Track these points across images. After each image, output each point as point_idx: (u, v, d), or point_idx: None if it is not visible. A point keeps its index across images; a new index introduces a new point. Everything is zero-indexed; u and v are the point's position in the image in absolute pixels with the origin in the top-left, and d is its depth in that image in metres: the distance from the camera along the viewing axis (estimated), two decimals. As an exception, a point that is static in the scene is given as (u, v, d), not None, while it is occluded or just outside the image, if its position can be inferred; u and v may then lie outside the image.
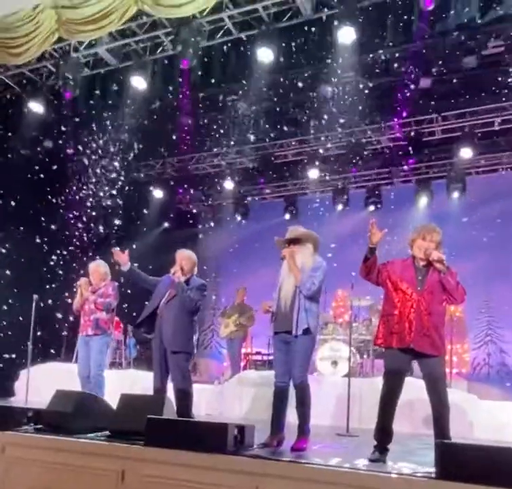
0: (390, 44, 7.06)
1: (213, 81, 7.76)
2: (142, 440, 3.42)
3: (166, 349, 4.80)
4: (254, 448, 3.53)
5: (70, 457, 3.57)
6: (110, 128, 9.18)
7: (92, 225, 10.44)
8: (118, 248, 5.15)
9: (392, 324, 3.74)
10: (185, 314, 4.81)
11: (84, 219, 10.44)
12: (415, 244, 3.88)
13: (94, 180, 10.17)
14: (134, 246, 11.40)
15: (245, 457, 3.16)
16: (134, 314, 10.40)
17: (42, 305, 8.51)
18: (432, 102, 8.80)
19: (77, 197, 10.39)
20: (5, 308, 9.25)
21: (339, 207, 11.59)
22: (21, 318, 7.91)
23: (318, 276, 4.15)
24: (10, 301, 9.21)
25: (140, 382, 7.30)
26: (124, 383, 7.19)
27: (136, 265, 5.19)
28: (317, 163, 10.72)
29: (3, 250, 9.20)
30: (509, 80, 7.91)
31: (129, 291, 10.66)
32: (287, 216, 12.15)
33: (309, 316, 4.08)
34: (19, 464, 3.73)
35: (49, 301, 9.28)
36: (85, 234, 10.51)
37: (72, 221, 10.35)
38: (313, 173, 11.03)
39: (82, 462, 3.51)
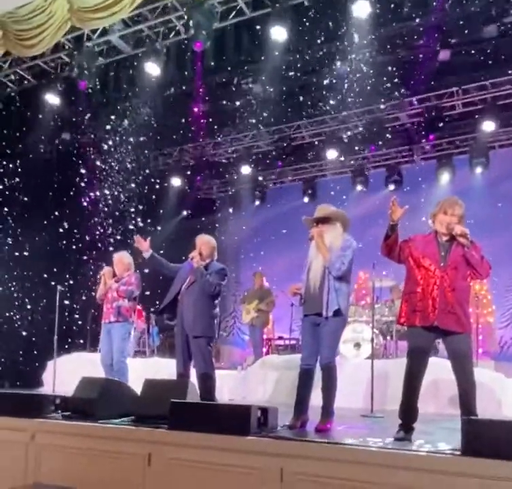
0: (407, 17, 6.84)
1: (227, 64, 7.65)
2: (167, 424, 3.45)
3: (187, 334, 4.83)
4: (278, 430, 3.52)
5: (97, 442, 3.63)
6: (126, 116, 9.15)
7: (111, 215, 10.49)
8: (139, 235, 5.18)
9: (415, 302, 3.64)
10: (205, 299, 4.82)
11: (104, 209, 10.50)
12: (437, 219, 3.77)
13: (111, 170, 10.19)
14: (154, 235, 11.56)
15: (269, 438, 3.15)
16: (157, 302, 10.55)
17: (68, 295, 8.64)
18: (453, 75, 8.54)
19: (97, 187, 10.46)
20: (28, 301, 9.40)
21: (359, 188, 11.43)
22: (46, 310, 8.04)
23: (347, 255, 4.05)
24: (34, 293, 9.35)
25: (164, 369, 7.34)
26: (148, 371, 7.22)
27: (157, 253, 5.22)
28: (335, 144, 10.53)
29: (27, 244, 9.32)
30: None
31: (152, 280, 10.79)
32: (306, 199, 12.05)
33: (339, 296, 3.99)
34: (48, 451, 3.80)
35: (73, 293, 9.42)
36: (106, 225, 10.58)
37: (92, 212, 10.41)
38: (331, 154, 10.86)
39: (109, 447, 3.56)
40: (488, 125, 9.35)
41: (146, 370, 7.17)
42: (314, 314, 4.04)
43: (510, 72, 8.38)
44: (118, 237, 10.45)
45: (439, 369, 4.59)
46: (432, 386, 5.34)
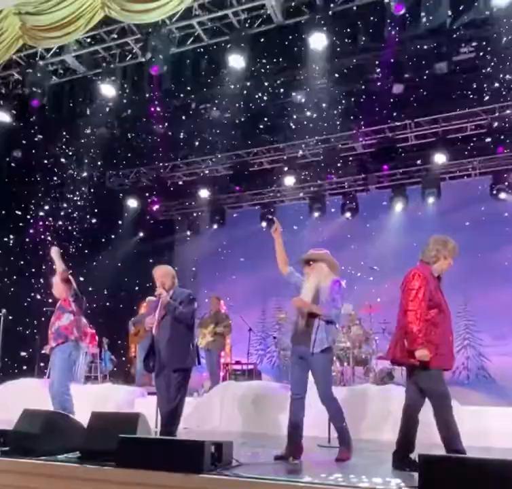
0: (362, 50, 7.04)
1: (185, 88, 7.65)
2: (115, 461, 3.28)
3: (166, 369, 4.75)
4: (233, 466, 3.39)
5: (39, 481, 3.41)
6: (80, 136, 8.98)
7: (62, 236, 10.18)
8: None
9: (446, 346, 3.73)
10: (180, 330, 4.78)
11: (54, 230, 10.19)
12: (446, 262, 3.90)
13: (64, 190, 9.94)
14: (109, 256, 11.31)
15: (223, 476, 3.02)
16: (111, 327, 10.28)
17: (14, 319, 8.25)
18: (406, 109, 8.83)
19: (47, 207, 10.16)
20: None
21: (316, 214, 11.55)
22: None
23: (337, 300, 4.21)
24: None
25: (116, 396, 7.14)
26: (99, 398, 6.98)
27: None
28: (293, 170, 10.67)
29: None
30: (480, 86, 7.97)
31: (107, 305, 10.54)
32: (263, 224, 12.07)
33: (330, 335, 4.13)
34: (-17, 491, 3.53)
35: (20, 316, 9.01)
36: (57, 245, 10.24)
37: (41, 233, 10.08)
38: (289, 180, 10.99)
39: (52, 486, 3.35)
40: (439, 158, 9.67)
41: (96, 397, 6.94)
42: (303, 345, 4.15)
43: (459, 108, 8.74)
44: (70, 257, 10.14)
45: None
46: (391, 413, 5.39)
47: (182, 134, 9.39)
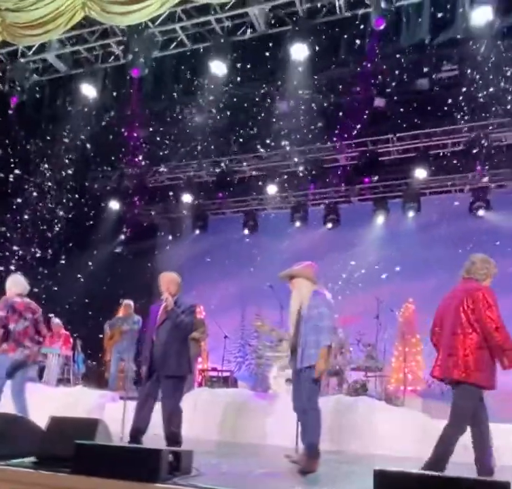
0: (344, 62, 7.07)
1: (166, 92, 7.63)
2: (70, 467, 3.18)
3: (158, 375, 4.71)
4: (192, 476, 3.31)
5: (-9, 486, 3.31)
6: (60, 136, 8.90)
7: (40, 236, 10.07)
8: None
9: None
10: (178, 337, 4.77)
11: (32, 230, 10.08)
12: (490, 280, 3.97)
13: (42, 190, 9.84)
14: (87, 258, 11.21)
15: (179, 486, 2.95)
16: (82, 330, 10.16)
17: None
18: (388, 123, 8.87)
19: (27, 208, 10.05)
20: None
21: (298, 224, 11.55)
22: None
23: (323, 313, 4.17)
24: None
25: (87, 400, 7.03)
26: (69, 401, 6.89)
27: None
28: (275, 179, 10.68)
29: None
30: (461, 104, 8.04)
31: (83, 307, 10.41)
32: (246, 231, 12.06)
33: (315, 354, 4.12)
34: None
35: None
36: (36, 248, 10.16)
37: (20, 234, 9.97)
38: (271, 189, 10.98)
39: (4, 492, 3.26)
40: (420, 173, 9.73)
41: (66, 400, 6.87)
42: (293, 362, 4.33)
43: (440, 124, 8.80)
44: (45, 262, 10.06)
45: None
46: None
47: (164, 138, 9.34)
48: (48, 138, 9.09)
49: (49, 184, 9.88)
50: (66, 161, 9.46)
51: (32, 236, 10.10)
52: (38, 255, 10.21)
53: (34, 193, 10.03)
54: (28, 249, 10.04)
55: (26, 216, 10.06)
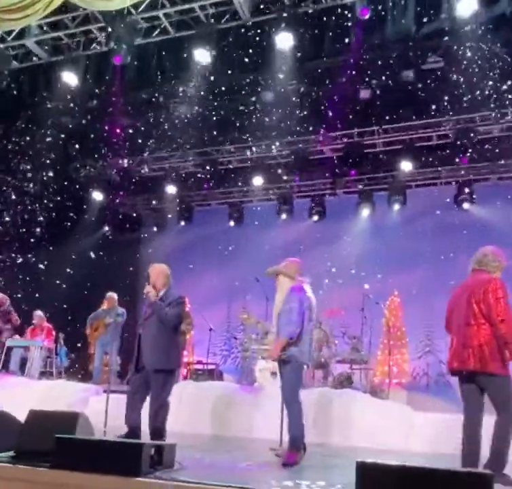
0: (329, 53, 6.99)
1: (149, 81, 7.49)
2: (50, 462, 3.16)
3: (147, 370, 4.62)
4: (174, 470, 3.28)
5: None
6: (41, 124, 8.70)
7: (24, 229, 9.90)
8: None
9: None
10: (164, 331, 4.67)
11: (17, 222, 9.90)
12: (501, 272, 3.96)
13: (24, 180, 9.65)
14: (70, 250, 11.06)
15: (162, 480, 2.92)
16: (66, 322, 10.04)
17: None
18: (373, 114, 8.81)
19: (8, 198, 9.87)
20: None
21: (284, 216, 11.49)
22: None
23: (293, 311, 4.31)
24: None
25: (69, 393, 6.94)
26: (50, 394, 6.80)
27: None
28: (261, 171, 10.58)
29: None
30: (446, 96, 8.00)
31: (66, 299, 10.28)
32: (231, 223, 11.98)
33: (290, 351, 4.28)
34: None
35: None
36: (16, 241, 10.00)
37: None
38: (257, 181, 10.89)
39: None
40: (406, 165, 9.70)
41: (48, 393, 6.77)
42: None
43: (426, 116, 8.76)
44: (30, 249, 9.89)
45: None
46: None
47: (148, 127, 9.19)
48: (29, 127, 8.90)
49: (30, 175, 9.68)
50: (47, 151, 9.26)
51: (13, 227, 9.94)
52: (18, 246, 10.05)
53: (15, 183, 9.85)
54: (9, 241, 9.87)
55: (5, 206, 9.89)
